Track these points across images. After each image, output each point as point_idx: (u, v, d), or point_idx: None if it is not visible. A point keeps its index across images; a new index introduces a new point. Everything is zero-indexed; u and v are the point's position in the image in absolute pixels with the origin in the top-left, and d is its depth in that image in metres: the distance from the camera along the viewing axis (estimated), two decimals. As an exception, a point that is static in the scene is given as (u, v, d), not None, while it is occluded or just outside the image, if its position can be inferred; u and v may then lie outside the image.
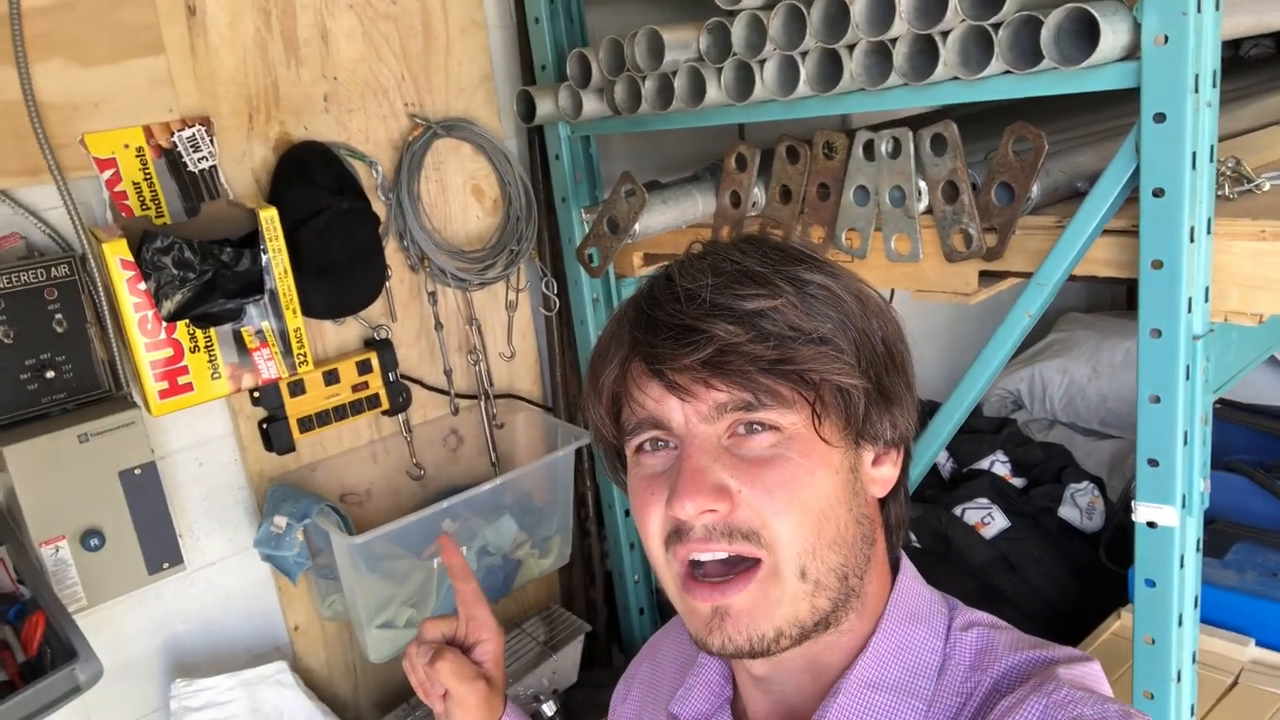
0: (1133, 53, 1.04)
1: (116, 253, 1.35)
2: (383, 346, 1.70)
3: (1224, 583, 1.70)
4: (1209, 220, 1.06)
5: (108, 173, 1.43)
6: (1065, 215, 1.19)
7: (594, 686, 1.77)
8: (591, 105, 1.60)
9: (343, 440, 1.71)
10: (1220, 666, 1.63)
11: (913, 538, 2.01)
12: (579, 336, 1.87)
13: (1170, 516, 1.07)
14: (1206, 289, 1.07)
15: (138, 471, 1.40)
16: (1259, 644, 1.66)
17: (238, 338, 1.49)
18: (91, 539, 1.36)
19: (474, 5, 1.77)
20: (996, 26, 1.11)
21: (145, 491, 1.41)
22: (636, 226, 1.46)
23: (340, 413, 1.66)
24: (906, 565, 0.75)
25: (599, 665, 1.97)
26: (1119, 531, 1.91)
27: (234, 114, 1.55)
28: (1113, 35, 1.02)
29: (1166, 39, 1.00)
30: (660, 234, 1.56)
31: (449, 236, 1.79)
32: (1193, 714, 1.20)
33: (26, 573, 1.32)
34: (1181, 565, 1.09)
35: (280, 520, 1.53)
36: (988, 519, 1.96)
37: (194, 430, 1.58)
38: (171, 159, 1.48)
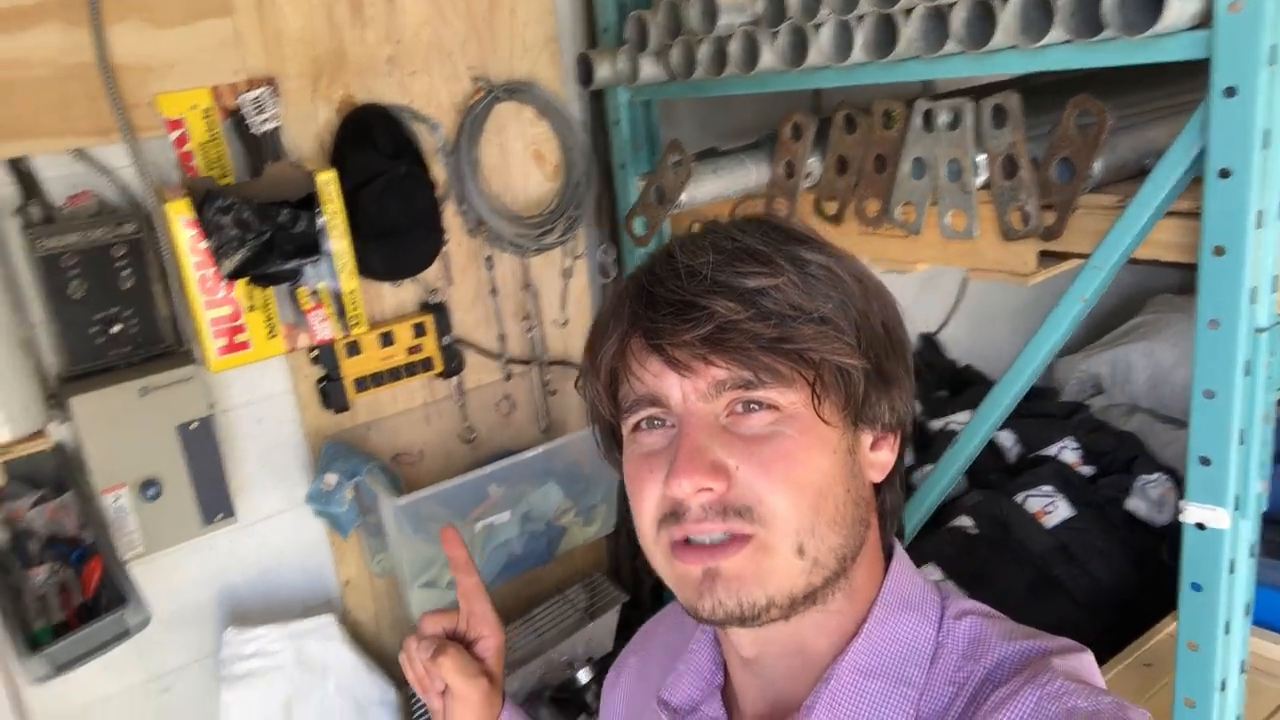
0: (1204, 20, 0.97)
1: (179, 212, 1.39)
2: (438, 310, 1.73)
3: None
4: (1280, 205, 0.99)
5: (176, 133, 1.47)
6: (1127, 195, 1.13)
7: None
8: (649, 69, 1.58)
9: (397, 401, 1.75)
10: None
11: (969, 523, 1.96)
12: (634, 305, 1.86)
13: (1221, 518, 1.01)
14: (1275, 278, 1.00)
15: (195, 425, 1.45)
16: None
17: (294, 298, 1.53)
18: (150, 489, 1.42)
19: (540, -35, 1.76)
20: (1058, -9, 1.05)
21: (201, 445, 1.46)
22: (683, 196, 1.44)
23: (395, 374, 1.70)
24: (900, 553, 0.74)
25: (639, 634, 1.98)
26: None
27: (299, 76, 1.57)
28: (1181, 1, 0.95)
29: (1241, 6, 0.93)
30: (712, 203, 1.54)
31: (508, 201, 1.80)
32: (1241, 723, 1.15)
33: (89, 519, 1.39)
34: (1232, 570, 1.03)
35: (330, 478, 1.58)
36: (1050, 507, 1.89)
37: (255, 386, 1.63)
38: (237, 120, 1.52)
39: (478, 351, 1.81)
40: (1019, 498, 1.98)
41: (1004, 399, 1.30)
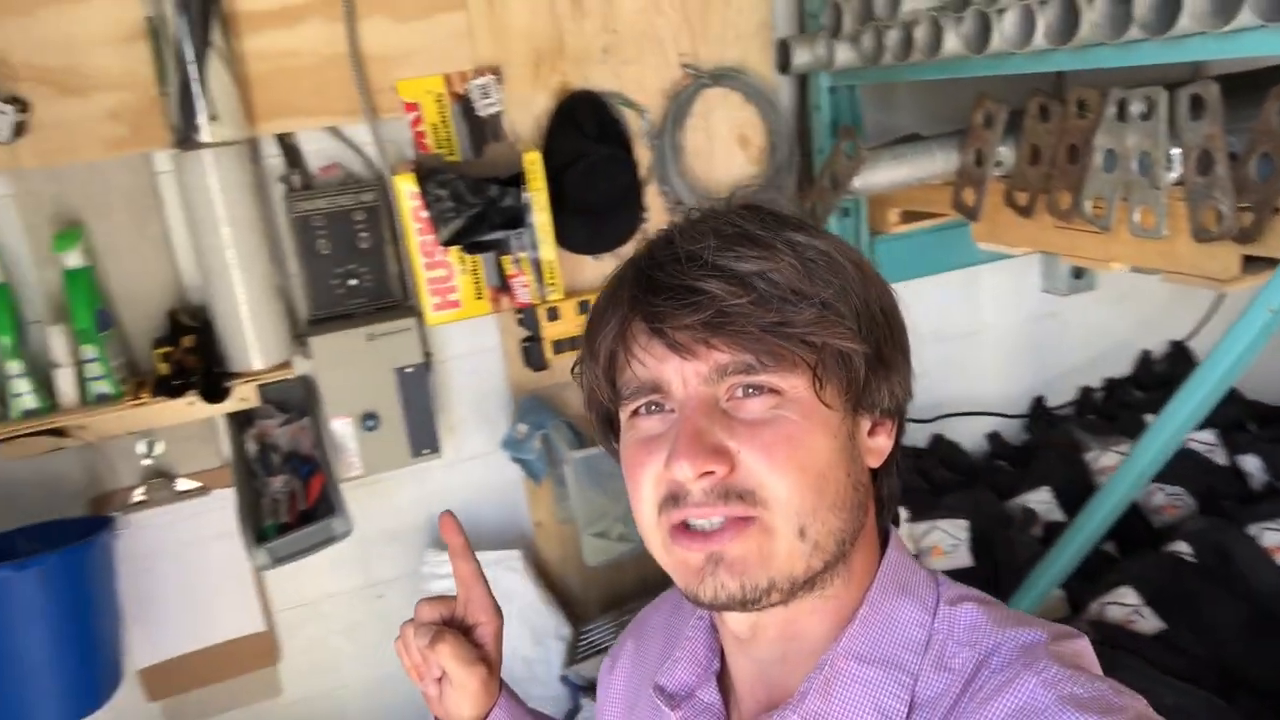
0: None
1: (405, 184, 1.60)
2: (635, 283, 1.83)
3: None
4: None
5: (412, 114, 1.68)
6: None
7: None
8: (844, 55, 1.58)
9: (593, 365, 1.88)
10: None
11: (1186, 549, 1.79)
12: (826, 290, 1.87)
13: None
14: None
15: (410, 370, 1.67)
16: None
17: (499, 264, 1.69)
18: (369, 421, 1.65)
19: (757, -47, 1.80)
20: (1246, -29, 0.96)
21: (415, 386, 1.68)
22: (856, 182, 1.44)
23: (590, 339, 1.83)
24: (895, 539, 0.73)
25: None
26: None
27: (522, 64, 1.73)
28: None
29: None
30: (892, 189, 1.52)
31: (709, 183, 1.87)
32: None
33: (319, 441, 1.64)
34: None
35: (522, 427, 1.74)
36: (1286, 544, 1.68)
37: (470, 341, 1.83)
38: (465, 104, 1.71)
39: (671, 324, 1.90)
40: (1252, 529, 1.78)
41: (1175, 417, 1.20)
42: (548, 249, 1.68)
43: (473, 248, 1.66)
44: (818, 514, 0.64)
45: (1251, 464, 1.98)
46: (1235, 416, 2.15)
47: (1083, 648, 0.63)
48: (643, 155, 1.80)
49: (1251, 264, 1.20)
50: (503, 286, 1.71)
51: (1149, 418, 1.95)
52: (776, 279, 0.63)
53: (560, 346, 1.81)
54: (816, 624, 0.69)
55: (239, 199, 1.51)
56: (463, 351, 1.84)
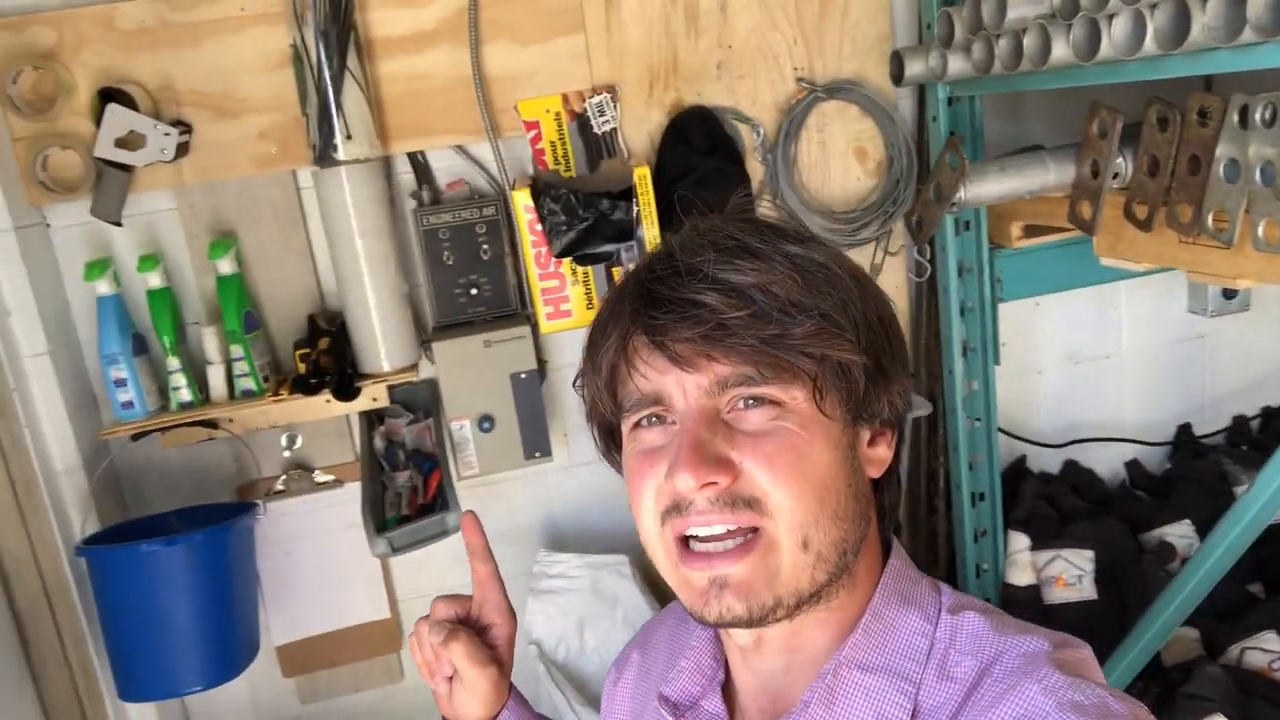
0: None
1: (521, 198, 1.68)
2: (746, 296, 1.85)
3: None
4: None
5: (532, 133, 1.77)
6: None
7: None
8: (957, 65, 1.55)
9: (703, 376, 1.91)
10: None
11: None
12: (941, 306, 1.83)
13: None
14: None
15: (524, 375, 1.74)
16: None
17: (610, 276, 1.75)
18: (485, 423, 1.73)
19: (875, -34, 1.79)
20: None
21: (528, 392, 1.75)
22: (961, 194, 1.41)
23: (701, 351, 1.86)
24: (897, 548, 0.73)
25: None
26: None
27: (637, 82, 1.79)
28: None
29: None
30: (1002, 202, 1.48)
31: (824, 198, 1.87)
32: None
33: (440, 440, 1.74)
34: None
35: (629, 434, 1.79)
36: None
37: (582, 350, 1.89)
38: (581, 122, 1.78)
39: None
40: None
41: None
42: (657, 261, 1.72)
43: (584, 259, 1.73)
44: (820, 524, 0.65)
45: None
46: None
47: (1086, 656, 0.63)
48: (755, 169, 1.82)
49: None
50: (613, 297, 1.76)
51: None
52: (775, 291, 0.64)
53: (670, 357, 1.85)
54: (820, 634, 0.70)
55: (371, 213, 1.63)
56: (574, 360, 1.88)
